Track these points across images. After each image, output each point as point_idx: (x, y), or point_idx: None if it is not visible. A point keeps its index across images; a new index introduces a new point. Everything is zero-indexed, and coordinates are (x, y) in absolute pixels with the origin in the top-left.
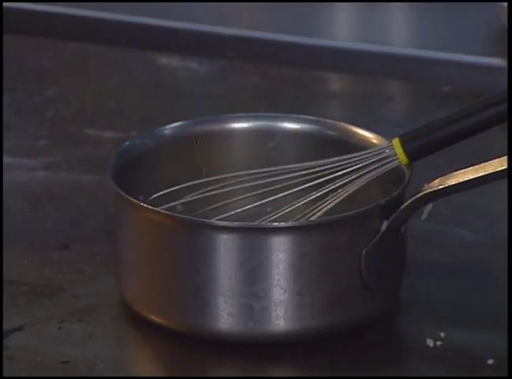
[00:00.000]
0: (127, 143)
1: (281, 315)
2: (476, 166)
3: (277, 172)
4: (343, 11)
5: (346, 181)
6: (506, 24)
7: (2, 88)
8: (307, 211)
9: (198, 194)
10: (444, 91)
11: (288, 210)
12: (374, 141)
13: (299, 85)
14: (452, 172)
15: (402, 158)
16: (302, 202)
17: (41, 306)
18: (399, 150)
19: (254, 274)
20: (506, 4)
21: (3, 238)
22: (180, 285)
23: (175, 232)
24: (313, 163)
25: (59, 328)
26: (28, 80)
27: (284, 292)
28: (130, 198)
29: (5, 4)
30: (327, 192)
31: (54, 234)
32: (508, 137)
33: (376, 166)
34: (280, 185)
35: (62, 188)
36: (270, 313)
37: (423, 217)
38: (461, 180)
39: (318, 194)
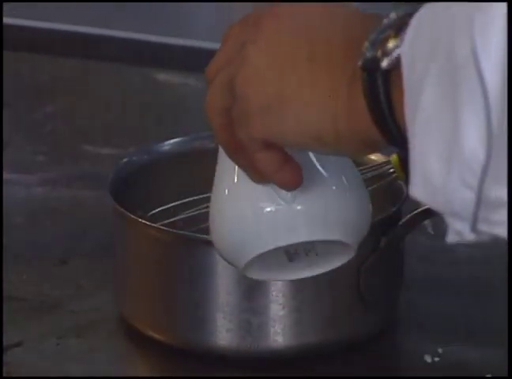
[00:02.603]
0: (126, 159)
1: (280, 331)
2: None
3: None
4: None
5: None
6: None
7: (2, 104)
8: None
9: (197, 210)
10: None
11: None
12: (372, 157)
13: None
14: None
15: (400, 174)
16: None
17: (40, 322)
18: (397, 166)
19: (252, 290)
20: None
21: (2, 253)
22: (178, 301)
23: (174, 248)
24: None
25: (58, 343)
26: (26, 96)
27: (283, 308)
28: (129, 214)
29: (4, 20)
30: None
31: (53, 249)
32: (508, 147)
33: (374, 182)
34: None
35: (60, 204)
36: (269, 329)
37: (432, 232)
38: None
39: None
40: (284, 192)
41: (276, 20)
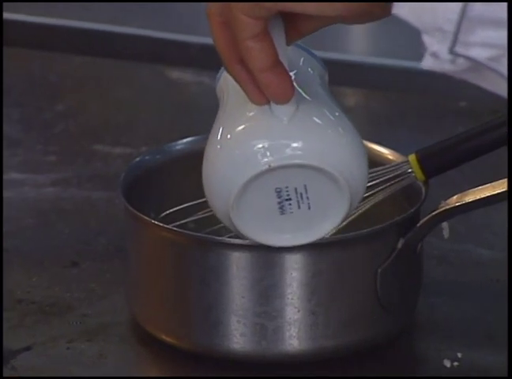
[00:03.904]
0: (138, 159)
1: (295, 335)
2: (494, 183)
3: None
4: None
5: None
6: None
7: (2, 99)
8: None
9: (210, 211)
10: (461, 106)
11: None
12: (390, 157)
13: None
14: (469, 189)
15: (419, 174)
16: None
17: (50, 325)
18: (415, 166)
19: (266, 293)
20: None
21: (12, 255)
22: (192, 304)
23: (187, 250)
24: None
25: (68, 348)
26: (36, 95)
27: (298, 311)
28: (141, 215)
29: (12, 17)
30: None
31: (64, 251)
32: (508, 151)
33: (392, 182)
34: None
35: (71, 204)
36: (284, 333)
37: (446, 236)
38: (478, 197)
39: None
40: (280, 114)
41: None
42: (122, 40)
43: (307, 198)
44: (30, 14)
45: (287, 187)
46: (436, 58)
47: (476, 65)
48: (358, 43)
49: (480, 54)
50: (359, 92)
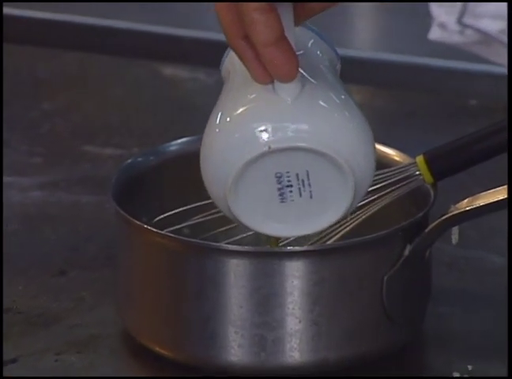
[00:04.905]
0: (129, 160)
1: (296, 346)
2: (506, 186)
3: None
4: (361, 19)
5: (366, 201)
6: None
7: (2, 99)
8: (324, 234)
9: (206, 216)
10: (472, 104)
11: None
12: (397, 159)
13: None
14: (481, 192)
15: (427, 177)
16: None
17: (36, 337)
18: (423, 168)
19: (266, 302)
20: None
21: None
22: (187, 314)
23: (182, 257)
24: None
25: (56, 360)
26: (22, 92)
27: (299, 322)
28: (133, 220)
29: None
30: None
31: (51, 258)
32: (508, 153)
33: (398, 185)
34: None
35: (59, 209)
36: (284, 345)
37: (454, 241)
38: (490, 201)
39: None
40: (284, 94)
41: None
42: (113, 35)
43: (309, 185)
44: (15, 7)
45: (288, 172)
46: (444, 28)
47: (485, 37)
48: (363, 37)
49: (489, 25)
50: (363, 90)
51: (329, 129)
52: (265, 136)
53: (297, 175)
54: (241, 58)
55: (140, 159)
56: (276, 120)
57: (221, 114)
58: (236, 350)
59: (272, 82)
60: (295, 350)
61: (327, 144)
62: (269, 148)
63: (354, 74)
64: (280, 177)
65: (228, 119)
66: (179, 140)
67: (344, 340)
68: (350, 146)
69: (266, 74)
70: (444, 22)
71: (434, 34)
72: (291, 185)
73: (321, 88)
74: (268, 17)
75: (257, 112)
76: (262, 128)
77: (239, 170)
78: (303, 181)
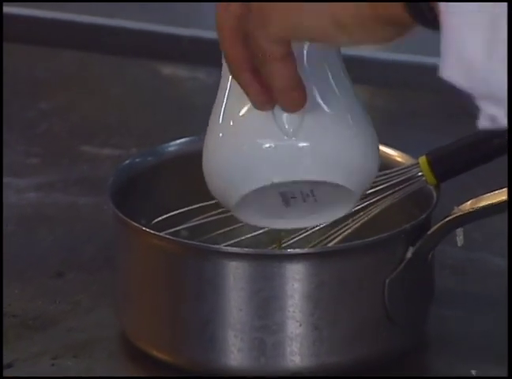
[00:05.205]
0: (127, 161)
1: (296, 350)
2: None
3: None
4: None
5: (367, 203)
6: None
7: (2, 100)
8: (325, 236)
9: (205, 217)
10: (473, 104)
11: (303, 235)
12: (399, 159)
13: None
14: (484, 193)
15: (429, 178)
16: (319, 226)
17: (33, 341)
18: (426, 169)
19: (266, 305)
20: None
21: None
22: (186, 317)
23: (181, 259)
24: None
25: (53, 364)
26: (19, 92)
27: (300, 325)
28: (131, 222)
29: None
30: (346, 215)
31: (48, 260)
32: (508, 154)
33: (401, 187)
34: None
35: (56, 210)
36: (284, 349)
37: (460, 243)
38: (494, 202)
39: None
40: (285, 125)
41: None
42: (111, 33)
43: (313, 195)
44: (13, 6)
45: (292, 190)
46: (493, 120)
47: None
48: None
49: None
50: (364, 89)
51: (332, 156)
52: (267, 168)
53: (301, 191)
54: (245, 89)
55: (138, 160)
56: (278, 152)
57: (224, 118)
58: (236, 354)
59: (272, 108)
60: (295, 354)
61: (330, 172)
62: (272, 182)
63: (354, 74)
64: (284, 193)
65: (232, 131)
66: (178, 141)
67: (346, 344)
68: (354, 168)
69: (269, 103)
70: (493, 115)
71: (484, 124)
72: (295, 197)
73: (322, 106)
74: (286, 65)
75: (258, 142)
76: (263, 160)
77: (239, 199)
78: (307, 194)
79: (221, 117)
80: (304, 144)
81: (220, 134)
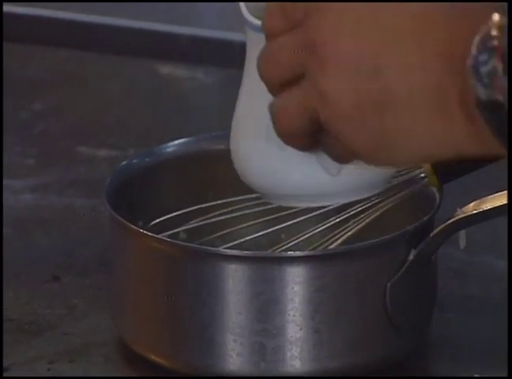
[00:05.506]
0: (125, 162)
1: (297, 355)
2: None
3: None
4: None
5: (369, 204)
6: None
7: (2, 99)
8: (326, 238)
9: (204, 220)
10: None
11: (304, 237)
12: None
13: None
14: (487, 195)
15: (432, 179)
16: (319, 228)
17: (29, 345)
18: (429, 171)
19: (266, 309)
20: None
21: None
22: (184, 321)
23: (179, 262)
24: None
25: (49, 369)
26: (13, 91)
27: (300, 329)
28: (128, 224)
29: None
30: (348, 217)
31: (43, 264)
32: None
33: (403, 188)
34: (295, 210)
35: (51, 213)
36: (284, 353)
37: (462, 246)
38: (497, 204)
39: (337, 220)
40: (330, 164)
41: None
42: (108, 32)
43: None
44: (7, 4)
45: None
46: None
47: None
48: None
49: None
50: None
51: (366, 183)
52: (306, 194)
53: None
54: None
55: (135, 161)
56: (320, 193)
57: (262, 140)
58: (235, 358)
59: None
60: (295, 358)
61: (362, 193)
62: (308, 206)
63: None
64: None
65: (271, 161)
66: (176, 142)
67: (347, 348)
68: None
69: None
70: None
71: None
72: None
73: None
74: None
75: (301, 174)
76: (303, 187)
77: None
78: None
79: (256, 128)
80: (345, 178)
81: (256, 152)
